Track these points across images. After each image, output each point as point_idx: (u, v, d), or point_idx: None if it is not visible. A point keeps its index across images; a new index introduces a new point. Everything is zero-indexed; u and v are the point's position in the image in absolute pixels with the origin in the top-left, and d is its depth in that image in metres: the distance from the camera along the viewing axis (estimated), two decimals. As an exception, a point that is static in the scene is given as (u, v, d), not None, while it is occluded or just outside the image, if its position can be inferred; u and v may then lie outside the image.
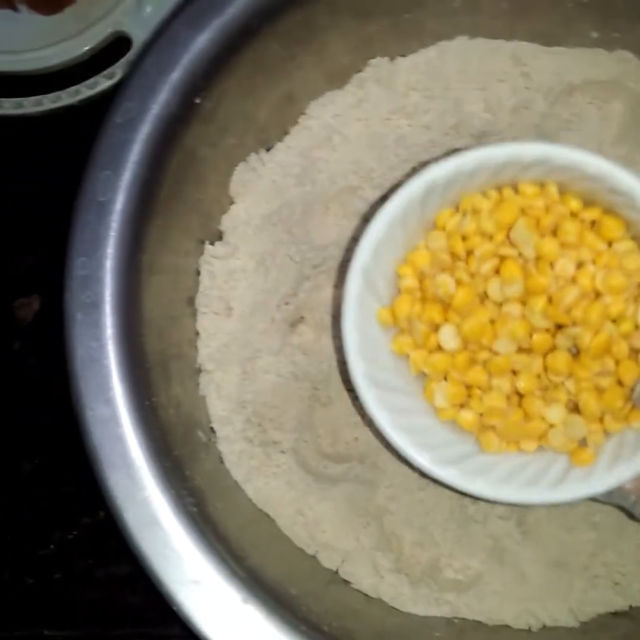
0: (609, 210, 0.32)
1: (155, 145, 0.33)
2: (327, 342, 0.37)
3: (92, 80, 0.46)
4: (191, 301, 0.37)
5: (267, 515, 0.36)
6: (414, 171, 0.38)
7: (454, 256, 0.32)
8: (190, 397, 0.35)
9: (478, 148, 0.31)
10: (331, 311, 0.37)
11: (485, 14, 0.39)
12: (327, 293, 0.37)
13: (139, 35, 0.46)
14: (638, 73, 0.39)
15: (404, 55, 0.40)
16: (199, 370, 0.36)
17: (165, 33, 0.34)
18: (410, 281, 0.33)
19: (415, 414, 0.33)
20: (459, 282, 0.32)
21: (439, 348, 0.33)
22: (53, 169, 0.45)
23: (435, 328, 0.32)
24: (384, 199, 0.38)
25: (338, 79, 0.40)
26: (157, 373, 0.33)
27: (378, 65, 0.40)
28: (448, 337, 0.32)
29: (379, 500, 0.36)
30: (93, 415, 0.31)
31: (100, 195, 0.32)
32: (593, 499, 0.33)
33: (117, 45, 0.47)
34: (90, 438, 0.31)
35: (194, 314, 0.37)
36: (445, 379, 0.33)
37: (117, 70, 0.45)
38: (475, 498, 0.33)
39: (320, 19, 0.37)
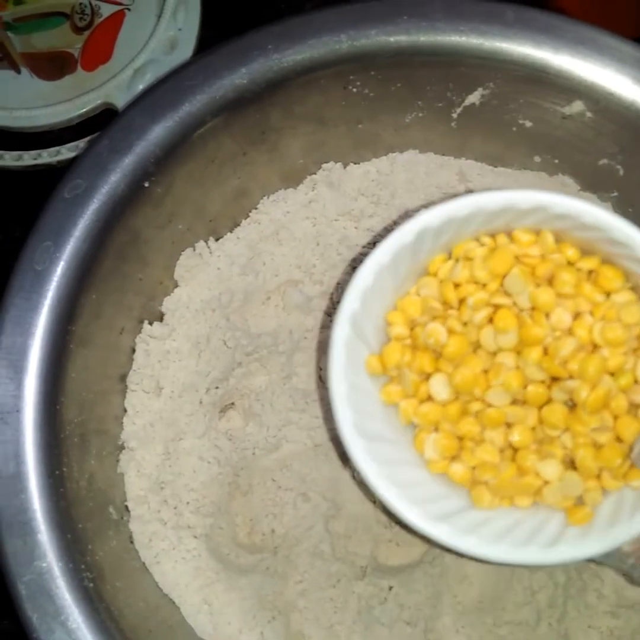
0: (607, 260, 0.31)
1: (99, 223, 0.34)
2: (253, 429, 0.37)
3: (73, 143, 0.48)
4: (122, 378, 0.37)
5: (172, 601, 0.35)
6: (353, 269, 0.40)
7: (446, 304, 0.31)
8: (106, 473, 0.35)
9: (472, 195, 0.30)
10: (260, 399, 0.38)
11: (436, 131, 0.41)
12: (258, 381, 0.38)
13: (125, 110, 0.48)
14: (577, 197, 0.40)
15: (356, 163, 0.42)
16: (120, 447, 0.36)
17: (122, 119, 0.35)
18: (400, 329, 0.32)
19: (405, 465, 0.31)
20: (450, 331, 0.31)
21: (430, 398, 0.31)
22: (25, 225, 0.46)
23: (426, 377, 0.31)
24: (324, 294, 0.39)
25: (291, 178, 0.41)
26: (73, 444, 0.33)
27: (331, 169, 0.41)
28: (439, 387, 0.31)
29: (289, 594, 0.35)
30: (-1, 474, 0.31)
31: (37, 264, 0.33)
32: (589, 559, 0.31)
33: (104, 115, 0.49)
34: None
35: (123, 391, 0.37)
36: (436, 429, 0.31)
37: (100, 139, 0.47)
38: (469, 557, 0.31)
39: (275, 121, 0.38)
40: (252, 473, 0.37)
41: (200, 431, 0.37)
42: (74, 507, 0.32)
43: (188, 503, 0.36)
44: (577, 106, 0.38)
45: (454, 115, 0.40)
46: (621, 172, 0.39)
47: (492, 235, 0.32)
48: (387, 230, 0.40)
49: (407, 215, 0.41)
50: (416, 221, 0.30)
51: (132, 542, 0.35)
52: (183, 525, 0.36)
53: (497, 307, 0.31)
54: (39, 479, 0.31)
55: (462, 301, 0.31)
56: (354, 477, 0.37)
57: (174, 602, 0.35)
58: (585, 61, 0.37)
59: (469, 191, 0.41)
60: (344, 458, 0.37)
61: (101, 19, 0.53)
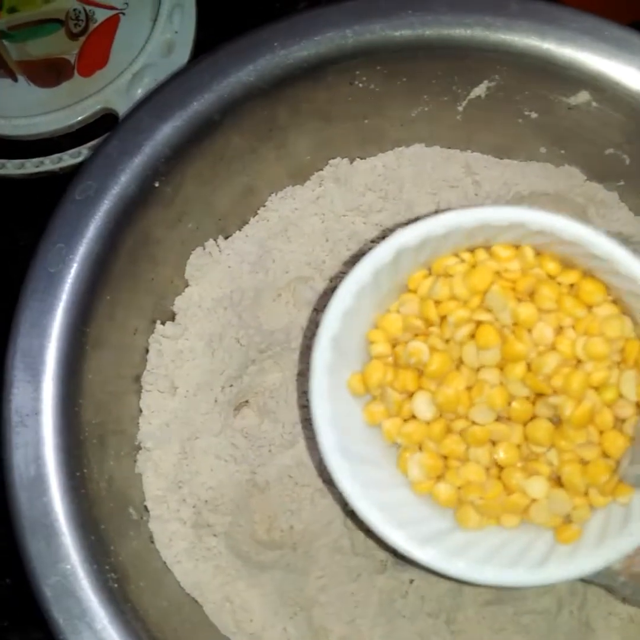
0: (588, 273, 0.31)
1: (111, 224, 0.34)
2: (269, 426, 0.37)
3: (75, 150, 0.48)
4: (137, 379, 0.37)
5: (194, 600, 0.35)
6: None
7: (427, 321, 0.31)
8: (124, 474, 0.35)
9: (449, 213, 0.30)
10: (275, 395, 0.38)
11: (441, 124, 0.41)
12: (272, 377, 0.38)
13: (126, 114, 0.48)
14: (582, 188, 0.41)
15: (363, 158, 0.42)
16: (137, 448, 0.36)
17: (131, 120, 0.35)
18: (381, 347, 0.32)
19: (390, 487, 0.31)
20: (432, 349, 0.31)
21: (414, 417, 0.31)
22: (29, 231, 0.46)
23: (409, 396, 0.31)
24: (334, 290, 0.39)
25: (299, 175, 0.41)
26: (92, 445, 0.33)
27: (338, 165, 0.41)
28: (422, 406, 0.31)
29: (310, 590, 0.35)
30: (20, 477, 0.30)
31: (51, 266, 0.33)
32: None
33: (105, 120, 0.49)
34: (15, 502, 0.30)
35: (138, 392, 0.37)
36: (421, 449, 0.31)
37: (100, 144, 0.47)
38: (458, 581, 0.31)
39: (281, 117, 0.38)
40: (269, 470, 0.37)
41: (216, 430, 0.37)
42: (95, 508, 0.32)
43: (206, 502, 0.36)
44: (583, 96, 0.38)
45: (460, 108, 0.40)
46: (627, 161, 0.39)
47: (472, 251, 0.32)
48: (396, 224, 0.40)
49: (411, 208, 0.41)
50: (394, 240, 0.30)
51: (152, 542, 0.35)
52: (202, 524, 0.36)
53: (478, 323, 0.31)
54: (60, 481, 0.31)
55: (443, 318, 0.31)
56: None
57: (196, 601, 0.35)
58: (591, 51, 0.37)
59: (476, 183, 0.41)
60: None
61: (96, 24, 0.53)
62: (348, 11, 0.37)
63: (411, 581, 0.35)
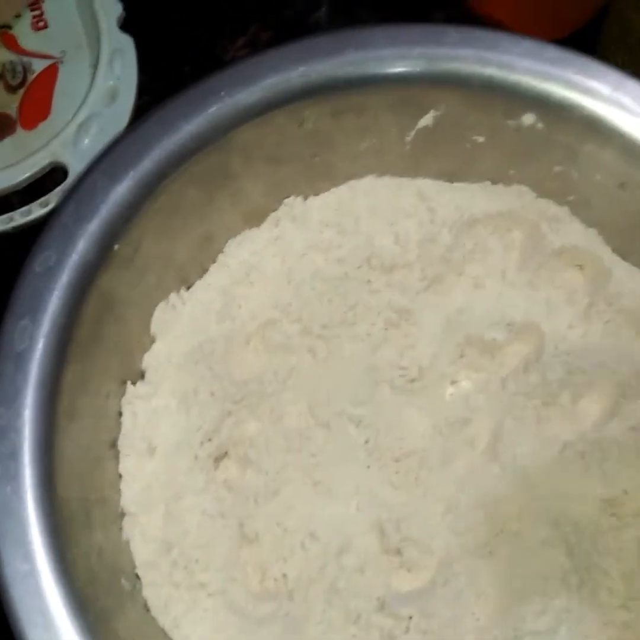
0: None
1: (74, 293, 0.34)
2: (252, 476, 0.37)
3: (26, 208, 0.47)
4: (113, 443, 0.37)
5: (197, 664, 0.35)
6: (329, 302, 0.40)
7: None
8: (113, 543, 0.34)
9: None
10: (255, 445, 0.37)
11: (391, 155, 0.41)
12: (250, 427, 0.38)
13: (75, 166, 0.47)
14: (534, 205, 0.41)
15: (316, 194, 0.42)
16: (122, 514, 0.36)
17: (83, 184, 0.35)
18: None
19: None
20: None
21: None
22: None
23: None
24: (303, 331, 0.39)
25: (254, 218, 0.41)
26: (78, 521, 0.32)
27: (292, 204, 0.41)
28: None
29: (310, 638, 0.35)
30: (11, 571, 0.29)
31: (18, 345, 0.32)
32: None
33: (54, 174, 0.48)
34: (8, 595, 0.29)
35: (116, 457, 0.36)
36: None
37: (52, 199, 0.46)
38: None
39: (234, 164, 0.38)
40: (256, 520, 0.36)
41: (199, 486, 0.36)
42: (89, 586, 0.31)
43: (197, 561, 0.35)
44: (529, 119, 0.38)
45: (408, 139, 0.40)
46: (576, 176, 0.40)
47: None
48: (359, 259, 0.40)
49: (370, 241, 0.41)
50: None
51: (148, 610, 0.35)
52: (196, 585, 0.35)
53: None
54: (51, 565, 0.30)
55: None
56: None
57: (199, 665, 0.35)
58: (532, 74, 0.37)
59: (431, 210, 0.41)
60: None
61: (34, 74, 0.52)
62: (291, 54, 0.37)
63: (410, 617, 0.35)
